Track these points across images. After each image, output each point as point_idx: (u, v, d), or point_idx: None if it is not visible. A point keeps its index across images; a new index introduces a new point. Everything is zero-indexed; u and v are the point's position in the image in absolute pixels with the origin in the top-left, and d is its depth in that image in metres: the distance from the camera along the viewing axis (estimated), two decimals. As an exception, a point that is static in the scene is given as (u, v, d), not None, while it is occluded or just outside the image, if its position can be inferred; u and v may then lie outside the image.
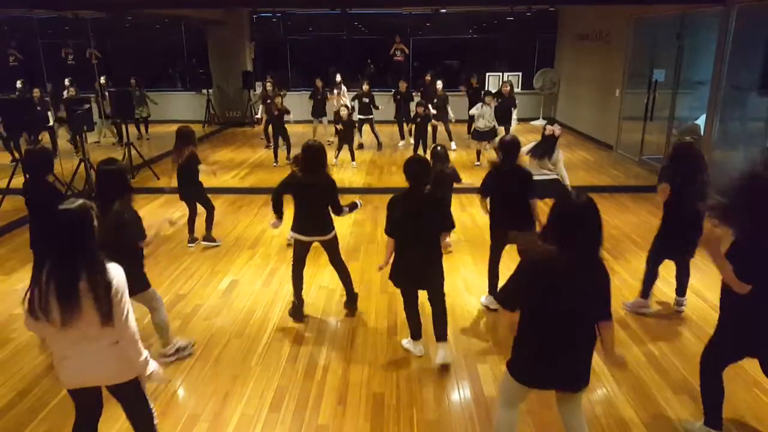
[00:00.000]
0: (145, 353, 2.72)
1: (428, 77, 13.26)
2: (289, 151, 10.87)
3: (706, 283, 5.40)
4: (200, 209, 6.64)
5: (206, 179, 6.64)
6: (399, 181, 9.32)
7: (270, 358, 4.33)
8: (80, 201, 2.58)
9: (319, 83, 12.34)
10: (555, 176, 6.25)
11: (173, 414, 3.68)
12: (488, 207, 4.97)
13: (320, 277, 5.59)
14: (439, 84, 11.93)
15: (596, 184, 8.95)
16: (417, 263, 4.06)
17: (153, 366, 2.77)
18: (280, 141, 10.82)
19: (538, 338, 2.68)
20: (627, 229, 7.07)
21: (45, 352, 4.41)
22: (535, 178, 5.86)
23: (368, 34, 17.55)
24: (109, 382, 2.77)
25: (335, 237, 4.82)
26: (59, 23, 14.42)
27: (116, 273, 2.62)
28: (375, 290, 5.44)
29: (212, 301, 5.29)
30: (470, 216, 7.63)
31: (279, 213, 4.89)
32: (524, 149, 6.03)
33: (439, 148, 6.03)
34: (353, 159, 10.72)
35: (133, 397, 2.87)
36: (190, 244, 6.60)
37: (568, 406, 2.86)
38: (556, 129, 6.26)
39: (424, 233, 4.00)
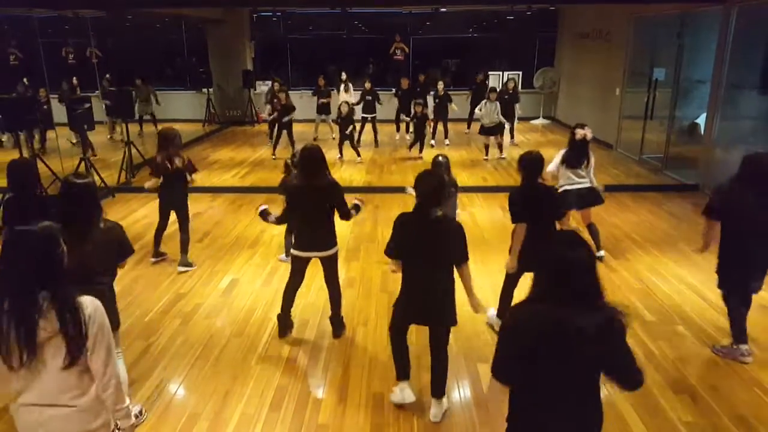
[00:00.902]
0: (126, 401, 2.36)
1: (422, 77, 13.37)
2: (293, 149, 10.96)
3: (706, 282, 5.39)
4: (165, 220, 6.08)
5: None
6: (399, 179, 9.41)
7: (270, 357, 4.33)
8: (44, 223, 2.23)
9: (321, 81, 12.49)
10: (591, 184, 5.90)
11: (174, 413, 3.68)
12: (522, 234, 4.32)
13: (320, 277, 5.56)
14: (441, 84, 12.16)
15: (596, 182, 8.92)
16: (423, 297, 3.52)
17: (131, 420, 2.40)
18: (284, 140, 10.97)
19: (534, 404, 2.24)
20: (627, 229, 7.07)
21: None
22: (571, 188, 5.77)
23: (368, 33, 17.53)
24: None
25: (336, 254, 4.49)
26: (59, 22, 14.39)
27: (92, 307, 2.21)
28: (375, 289, 5.44)
29: (212, 300, 5.29)
30: (470, 215, 7.63)
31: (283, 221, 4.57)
32: (552, 165, 5.79)
33: (440, 157, 5.56)
34: (358, 155, 10.88)
35: None
36: (153, 259, 6.09)
37: None
38: (588, 132, 5.79)
39: (433, 263, 3.45)
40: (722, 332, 4.61)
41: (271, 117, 11.43)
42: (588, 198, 5.83)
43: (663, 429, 3.51)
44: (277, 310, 4.84)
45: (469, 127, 13.60)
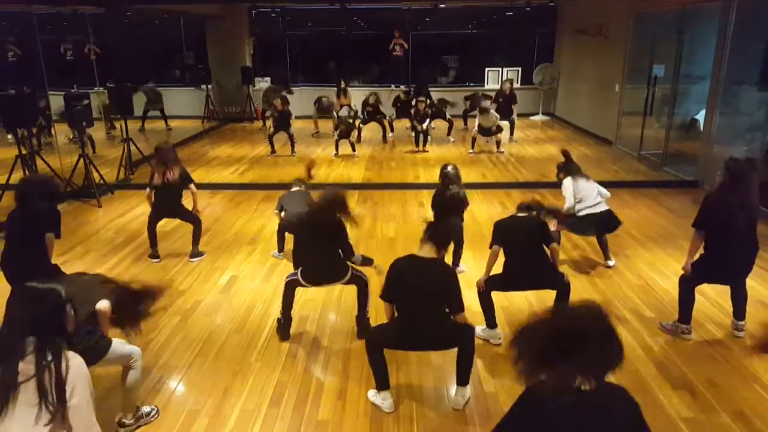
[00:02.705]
0: None
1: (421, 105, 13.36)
2: (292, 147, 11.16)
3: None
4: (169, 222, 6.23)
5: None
6: (398, 176, 9.41)
7: (270, 353, 4.34)
8: (52, 285, 2.23)
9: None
10: (607, 207, 5.61)
11: (173, 409, 3.68)
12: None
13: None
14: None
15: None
16: (421, 332, 3.53)
17: None
18: (284, 137, 11.08)
19: None
20: (626, 225, 7.03)
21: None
22: (589, 212, 5.48)
23: (367, 29, 17.50)
24: None
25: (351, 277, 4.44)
26: (58, 19, 14.37)
27: (75, 363, 2.13)
28: (374, 287, 5.43)
29: (212, 296, 5.29)
30: (469, 213, 7.61)
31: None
32: (568, 203, 5.56)
33: (449, 168, 5.36)
34: (354, 150, 10.98)
35: None
36: (155, 260, 6.09)
37: None
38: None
39: (430, 312, 3.48)
40: (721, 327, 4.63)
41: (270, 129, 11.48)
42: (608, 223, 5.61)
43: (662, 425, 3.51)
44: (277, 305, 4.85)
45: (465, 124, 13.68)
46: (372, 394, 3.74)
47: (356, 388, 3.89)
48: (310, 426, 3.53)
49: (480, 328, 4.47)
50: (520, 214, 4.54)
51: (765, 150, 7.58)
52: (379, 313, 4.92)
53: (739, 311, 4.50)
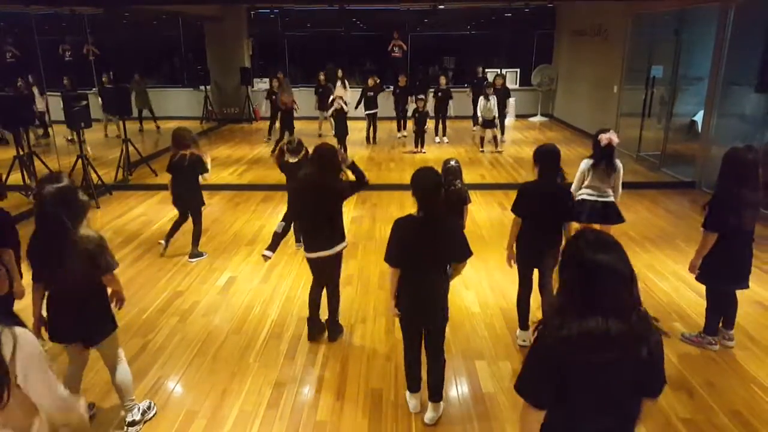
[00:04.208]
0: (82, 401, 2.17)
1: (421, 75, 13.42)
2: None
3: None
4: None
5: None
6: (397, 177, 9.41)
7: (268, 354, 4.33)
8: None
9: (321, 77, 12.61)
10: (611, 198, 5.17)
11: (171, 410, 3.68)
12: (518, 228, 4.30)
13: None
14: (443, 78, 12.20)
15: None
16: (426, 301, 3.44)
17: None
18: (287, 135, 11.02)
19: (570, 426, 2.06)
20: (624, 226, 7.01)
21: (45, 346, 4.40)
22: (588, 198, 5.15)
23: (366, 30, 17.52)
24: None
25: (341, 252, 4.37)
26: (56, 19, 14.35)
27: (20, 338, 1.95)
28: (373, 287, 5.45)
29: (210, 297, 5.29)
30: (468, 213, 7.61)
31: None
32: (574, 185, 5.20)
33: (452, 162, 5.33)
34: (345, 151, 10.74)
35: None
36: (162, 250, 6.24)
37: None
38: (613, 136, 5.03)
39: (432, 265, 3.38)
40: (719, 329, 4.62)
41: (269, 114, 11.57)
42: (601, 213, 5.14)
43: (660, 425, 3.52)
44: (276, 306, 4.86)
45: (475, 126, 13.25)
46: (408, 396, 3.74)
47: (354, 390, 3.89)
48: (309, 427, 3.53)
49: (519, 332, 4.52)
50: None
51: (763, 151, 7.59)
52: (377, 312, 4.92)
53: (732, 320, 4.38)
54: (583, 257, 1.92)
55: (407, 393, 3.72)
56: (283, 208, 7.78)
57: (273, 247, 4.58)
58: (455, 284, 5.43)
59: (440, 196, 3.33)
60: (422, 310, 3.45)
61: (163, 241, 6.26)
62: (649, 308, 4.63)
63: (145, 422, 3.54)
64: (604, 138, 5.00)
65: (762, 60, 7.58)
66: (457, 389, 3.91)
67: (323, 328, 4.53)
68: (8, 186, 8.27)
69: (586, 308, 1.87)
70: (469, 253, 3.38)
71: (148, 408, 3.64)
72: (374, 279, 5.58)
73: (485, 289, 5.41)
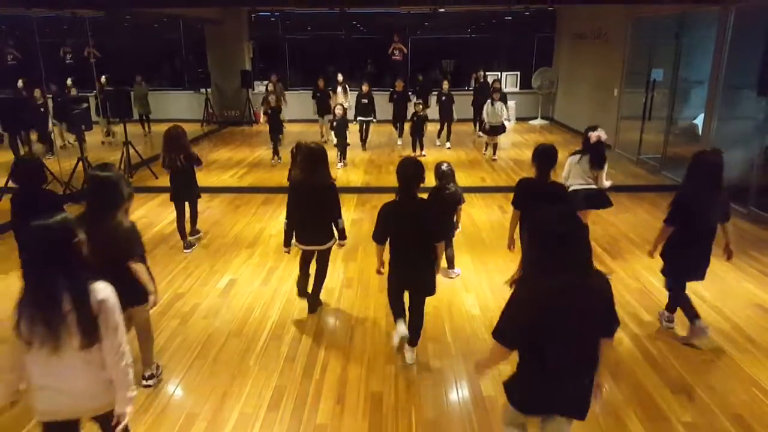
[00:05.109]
0: (134, 389, 2.55)
1: (420, 78, 13.28)
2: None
3: (703, 282, 5.38)
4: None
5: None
6: (396, 180, 9.36)
7: (268, 357, 4.33)
8: (60, 216, 2.38)
9: (321, 83, 12.29)
10: (597, 186, 5.59)
11: (171, 413, 3.68)
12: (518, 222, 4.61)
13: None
14: (446, 83, 11.70)
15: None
16: (409, 272, 4.02)
17: (130, 408, 2.54)
18: (285, 139, 10.94)
19: (541, 367, 2.47)
20: (625, 229, 7.08)
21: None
22: (579, 188, 5.48)
23: (367, 33, 17.55)
24: (89, 414, 2.57)
25: (330, 248, 4.79)
26: (58, 22, 14.38)
27: (105, 293, 2.39)
28: (373, 290, 5.44)
29: (210, 300, 5.29)
30: (468, 215, 7.63)
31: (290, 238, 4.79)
32: (564, 174, 5.60)
33: (444, 166, 5.48)
34: (344, 157, 10.56)
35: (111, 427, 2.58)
36: (187, 251, 6.40)
37: (559, 428, 2.67)
38: (602, 133, 5.52)
39: (416, 242, 3.91)
40: (719, 332, 4.62)
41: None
42: (595, 200, 5.60)
43: (661, 429, 3.51)
44: (276, 309, 4.87)
45: (477, 129, 13.03)
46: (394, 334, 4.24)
47: (355, 393, 3.89)
48: (309, 430, 3.53)
49: None
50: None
51: (764, 154, 7.60)
52: (377, 314, 4.92)
53: (673, 305, 4.69)
54: (553, 228, 2.35)
55: (396, 322, 4.21)
56: (283, 211, 7.78)
57: (287, 242, 4.81)
58: (456, 286, 5.46)
59: (417, 184, 3.84)
60: (405, 279, 4.08)
61: (186, 249, 6.41)
62: (648, 311, 4.64)
63: (159, 381, 3.95)
64: (593, 136, 5.48)
65: (762, 63, 7.57)
66: (457, 392, 3.90)
67: (320, 303, 5.06)
68: (10, 188, 8.26)
69: (556, 267, 2.33)
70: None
71: (156, 369, 4.03)
72: (374, 282, 5.57)
73: (485, 291, 5.40)
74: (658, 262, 6.05)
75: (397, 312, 4.25)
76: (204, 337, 4.61)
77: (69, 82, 13.04)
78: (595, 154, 5.46)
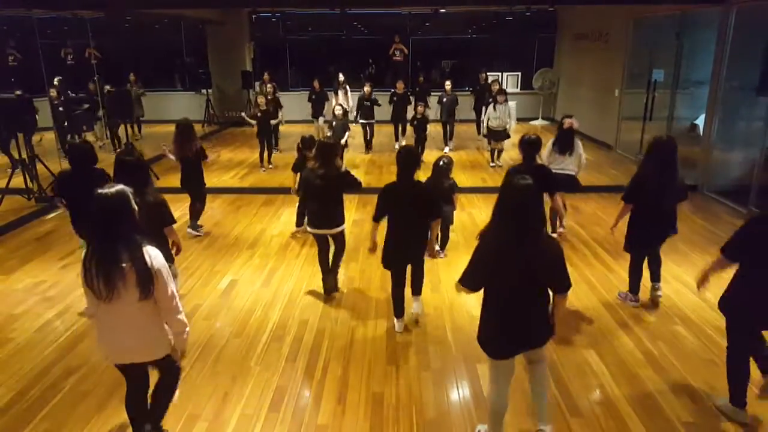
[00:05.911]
0: (187, 328, 2.99)
1: (420, 79, 13.25)
2: (270, 154, 10.53)
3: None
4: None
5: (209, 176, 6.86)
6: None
7: (269, 357, 4.33)
8: (118, 187, 2.79)
9: (316, 84, 12.07)
10: (572, 172, 6.32)
11: (173, 413, 3.67)
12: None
13: (318, 277, 5.57)
14: (448, 84, 11.49)
15: (595, 183, 8.94)
16: (406, 246, 4.51)
17: (185, 340, 3.05)
18: (284, 143, 10.74)
19: (499, 313, 3.02)
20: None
21: (46, 350, 4.42)
22: (556, 172, 6.01)
23: (367, 34, 17.55)
24: (146, 359, 3.00)
25: (343, 231, 5.17)
26: (58, 23, 14.41)
27: (155, 253, 2.84)
28: (374, 289, 5.44)
29: (211, 300, 5.29)
30: (469, 215, 7.64)
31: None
32: (545, 153, 6.25)
33: (441, 162, 5.70)
34: (341, 159, 10.42)
35: (170, 369, 3.19)
36: (191, 231, 6.95)
37: (534, 358, 3.25)
38: (574, 121, 6.34)
39: (413, 220, 4.38)
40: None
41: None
42: (563, 184, 6.06)
43: (662, 430, 3.51)
44: (277, 309, 4.87)
45: (480, 133, 12.52)
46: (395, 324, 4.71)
47: (356, 393, 3.89)
48: (310, 430, 3.53)
49: None
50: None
51: (765, 155, 7.59)
52: (378, 315, 4.92)
53: (656, 274, 5.10)
54: (515, 196, 2.90)
55: (395, 319, 4.69)
56: (284, 211, 7.81)
57: (299, 222, 5.87)
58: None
59: (414, 169, 4.33)
60: (403, 252, 4.53)
61: (190, 229, 6.96)
62: (650, 311, 4.62)
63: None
64: (566, 122, 6.31)
65: (763, 63, 7.57)
66: (458, 392, 3.90)
67: (334, 288, 5.35)
68: (9, 189, 8.28)
69: (515, 221, 2.86)
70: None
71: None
72: (376, 282, 5.58)
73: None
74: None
75: (398, 308, 4.65)
76: (205, 338, 4.61)
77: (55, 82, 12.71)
78: (563, 139, 6.29)
